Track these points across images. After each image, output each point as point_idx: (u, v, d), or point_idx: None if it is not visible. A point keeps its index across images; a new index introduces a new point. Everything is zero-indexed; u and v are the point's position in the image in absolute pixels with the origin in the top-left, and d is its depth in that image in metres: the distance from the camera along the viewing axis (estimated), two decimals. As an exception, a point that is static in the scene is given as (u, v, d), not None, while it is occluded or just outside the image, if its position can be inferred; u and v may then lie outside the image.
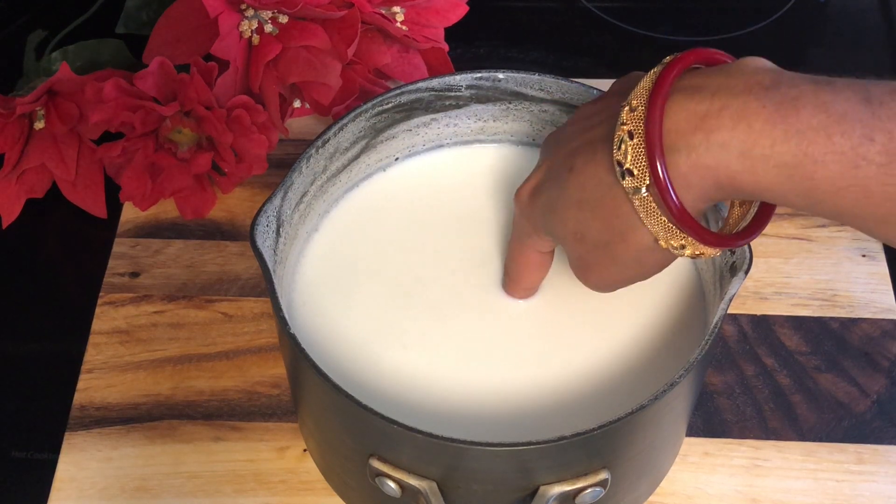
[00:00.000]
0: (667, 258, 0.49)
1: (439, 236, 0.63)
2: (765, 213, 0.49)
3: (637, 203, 0.46)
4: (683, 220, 0.45)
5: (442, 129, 0.65)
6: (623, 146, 0.46)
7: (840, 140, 0.42)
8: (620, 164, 0.46)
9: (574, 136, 0.51)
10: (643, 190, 0.45)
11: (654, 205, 0.46)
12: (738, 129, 0.43)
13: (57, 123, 0.70)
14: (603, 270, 0.51)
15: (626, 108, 0.46)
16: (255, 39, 0.69)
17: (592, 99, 0.53)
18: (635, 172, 0.45)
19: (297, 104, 0.74)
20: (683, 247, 0.47)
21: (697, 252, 0.47)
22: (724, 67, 0.45)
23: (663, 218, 0.46)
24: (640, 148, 0.45)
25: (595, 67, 0.84)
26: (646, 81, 0.46)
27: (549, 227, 0.52)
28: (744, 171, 0.43)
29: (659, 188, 0.45)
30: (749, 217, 0.49)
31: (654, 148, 0.44)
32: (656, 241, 0.47)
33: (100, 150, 0.69)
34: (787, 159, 0.42)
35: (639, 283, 0.58)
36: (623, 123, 0.46)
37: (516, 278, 0.58)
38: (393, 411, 0.49)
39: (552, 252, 0.57)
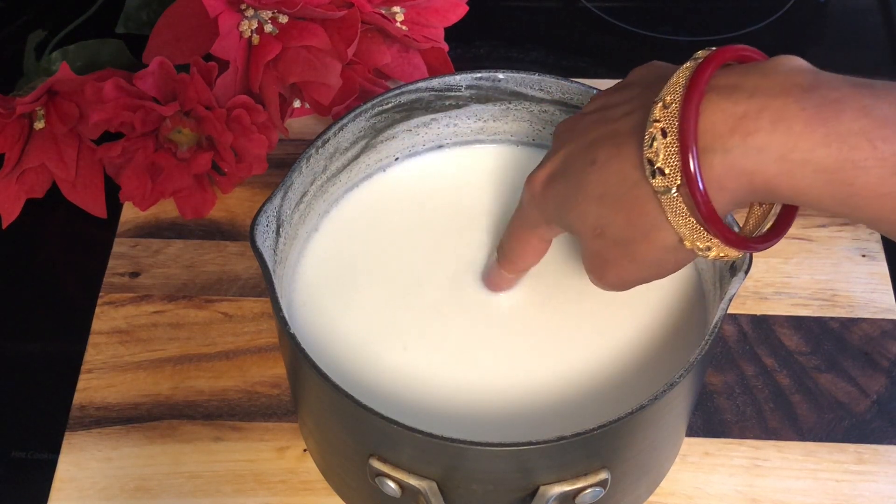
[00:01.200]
0: (688, 258, 0.48)
1: (439, 236, 0.63)
2: (788, 214, 0.48)
3: (665, 203, 0.45)
4: (713, 222, 0.44)
5: (442, 129, 0.65)
6: (655, 144, 0.44)
7: (882, 145, 0.41)
8: (651, 163, 0.44)
9: (594, 125, 0.49)
10: (673, 190, 0.44)
11: (682, 205, 0.45)
12: (778, 131, 0.42)
13: (57, 123, 0.70)
14: (620, 268, 0.49)
15: (660, 104, 0.44)
16: (255, 39, 0.69)
17: (609, 88, 0.52)
18: (667, 172, 0.44)
19: (297, 104, 0.74)
20: (709, 248, 0.46)
21: (722, 254, 0.46)
22: (759, 66, 0.44)
23: (691, 219, 0.45)
24: (673, 147, 0.44)
25: (595, 67, 0.84)
26: (679, 77, 0.45)
27: (564, 219, 0.51)
28: (781, 174, 0.42)
29: (691, 189, 0.43)
30: (771, 219, 0.48)
31: (688, 148, 0.43)
32: (681, 241, 0.46)
33: (100, 150, 0.69)
34: (827, 164, 0.41)
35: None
36: (656, 120, 0.44)
37: (512, 259, 0.57)
38: (393, 411, 0.49)
39: (551, 240, 0.56)
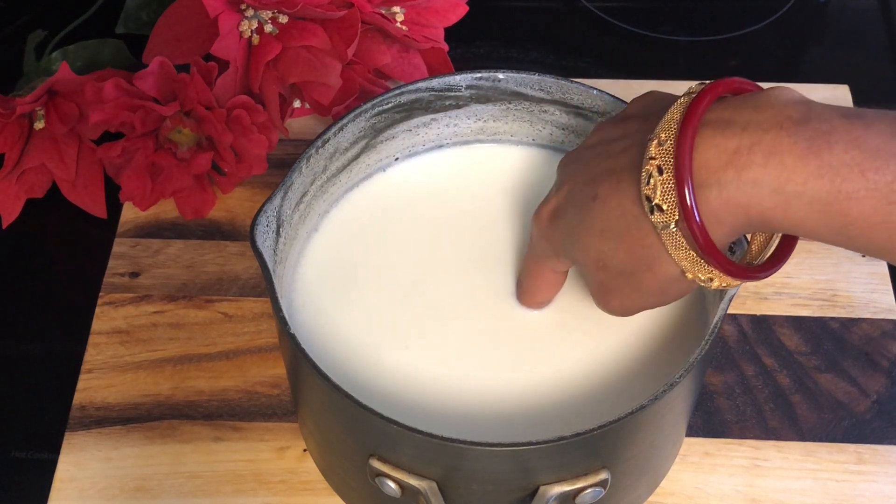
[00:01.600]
0: (690, 287, 0.49)
1: (439, 236, 0.63)
2: (789, 242, 0.48)
3: (665, 237, 0.46)
4: (712, 254, 0.45)
5: (442, 129, 0.65)
6: (652, 181, 0.45)
7: (874, 176, 0.41)
8: (649, 199, 0.45)
9: (595, 160, 0.50)
10: (672, 225, 0.45)
11: (682, 239, 0.45)
12: (770, 165, 0.43)
13: (57, 123, 0.70)
14: (625, 298, 0.51)
15: (655, 141, 0.45)
16: (255, 39, 0.69)
17: (611, 119, 0.52)
18: (665, 208, 0.45)
19: (297, 104, 0.74)
20: (711, 279, 0.47)
21: (724, 284, 0.47)
22: (752, 98, 0.45)
23: (691, 252, 0.46)
24: (669, 184, 0.44)
25: (595, 67, 0.84)
26: (673, 113, 0.45)
27: (569, 252, 0.52)
28: (775, 207, 0.43)
29: (689, 224, 0.44)
30: (773, 246, 0.49)
31: (684, 185, 0.44)
32: (682, 273, 0.47)
33: (100, 150, 0.69)
34: (820, 196, 0.42)
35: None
36: (652, 158, 0.45)
37: (531, 293, 0.58)
38: (393, 411, 0.49)
39: (567, 271, 0.57)
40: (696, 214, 0.44)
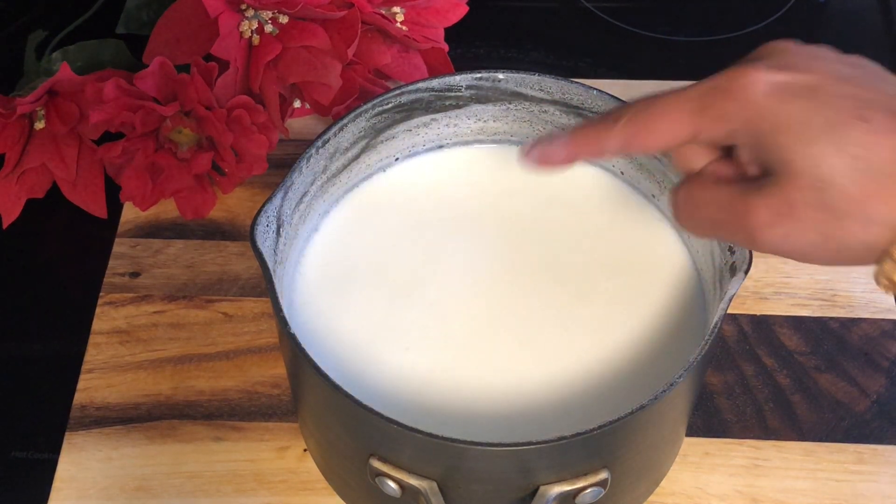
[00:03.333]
0: (863, 259, 0.42)
1: (439, 236, 0.63)
2: None
3: None
4: None
5: (442, 129, 0.65)
6: None
7: None
8: None
9: (853, 82, 0.43)
10: None
11: None
12: None
13: (57, 123, 0.70)
14: (799, 232, 0.42)
15: None
16: (255, 39, 0.69)
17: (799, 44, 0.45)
18: None
19: (297, 104, 0.74)
20: None
21: None
22: None
23: None
24: None
25: (595, 67, 0.84)
26: None
27: (784, 142, 0.42)
28: None
29: None
30: None
31: None
32: (890, 255, 0.41)
33: (100, 150, 0.69)
34: None
35: (638, 283, 0.58)
36: None
37: (638, 127, 0.45)
38: (393, 411, 0.49)
39: (696, 137, 0.44)
40: None
